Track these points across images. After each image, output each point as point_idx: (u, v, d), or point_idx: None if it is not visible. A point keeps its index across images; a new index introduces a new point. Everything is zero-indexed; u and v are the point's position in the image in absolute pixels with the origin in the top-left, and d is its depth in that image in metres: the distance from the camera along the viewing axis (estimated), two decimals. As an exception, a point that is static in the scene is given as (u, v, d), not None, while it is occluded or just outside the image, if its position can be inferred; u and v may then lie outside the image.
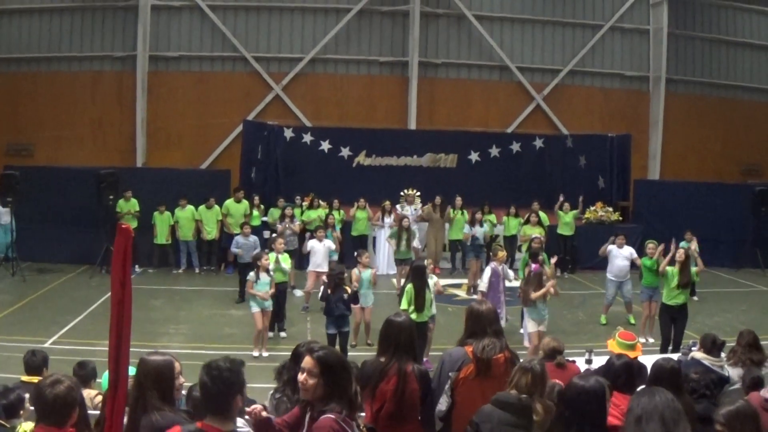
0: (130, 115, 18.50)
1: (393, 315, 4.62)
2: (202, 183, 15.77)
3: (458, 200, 15.19)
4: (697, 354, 5.89)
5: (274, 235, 12.64)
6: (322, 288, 9.16)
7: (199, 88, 18.80)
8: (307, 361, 3.26)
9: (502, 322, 8.14)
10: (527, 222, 14.07)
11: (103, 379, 5.10)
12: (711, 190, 17.30)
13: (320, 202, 14.96)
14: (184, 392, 4.26)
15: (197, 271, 14.88)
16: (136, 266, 14.05)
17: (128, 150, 18.56)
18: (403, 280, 9.77)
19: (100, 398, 4.84)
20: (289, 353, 4.65)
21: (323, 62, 19.36)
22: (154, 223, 14.59)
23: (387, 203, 15.17)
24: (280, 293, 10.11)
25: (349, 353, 8.70)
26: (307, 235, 13.38)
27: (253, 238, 12.15)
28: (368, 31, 19.51)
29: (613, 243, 11.49)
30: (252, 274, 9.40)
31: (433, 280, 9.19)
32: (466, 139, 18.06)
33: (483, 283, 9.78)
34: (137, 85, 18.33)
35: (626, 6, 20.17)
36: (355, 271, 9.73)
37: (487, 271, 9.91)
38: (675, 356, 6.02)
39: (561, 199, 15.37)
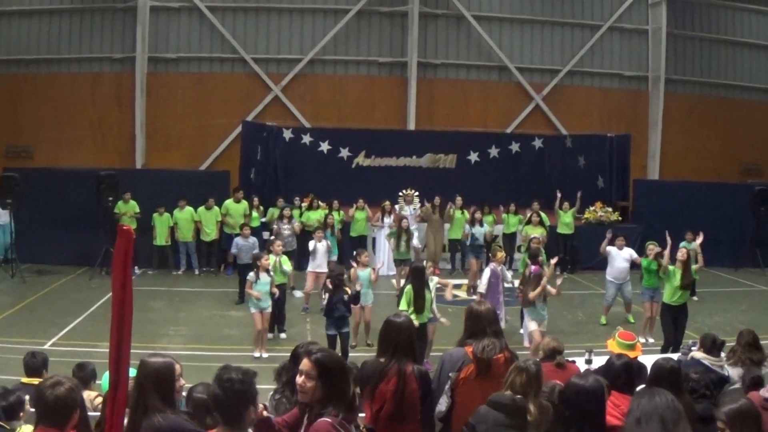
0: (130, 117, 18.49)
1: (392, 315, 4.62)
2: (201, 184, 15.75)
3: (458, 200, 15.20)
4: (697, 354, 5.89)
5: (272, 237, 12.64)
6: (325, 296, 9.03)
7: (199, 90, 18.80)
8: (305, 364, 3.25)
9: (502, 324, 8.13)
10: (528, 222, 14.08)
11: (103, 380, 5.11)
12: (710, 189, 17.31)
13: (320, 203, 14.97)
14: (184, 393, 4.26)
15: (197, 272, 14.88)
16: (136, 268, 14.03)
17: (127, 151, 18.56)
18: (402, 281, 9.78)
19: (100, 400, 4.84)
20: (289, 354, 4.65)
21: (322, 63, 19.37)
22: (153, 225, 14.59)
23: (387, 204, 15.17)
24: (280, 294, 10.11)
25: (349, 354, 8.71)
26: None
27: (252, 240, 12.15)
28: (367, 32, 19.51)
29: (611, 240, 11.47)
30: (252, 274, 9.40)
31: (433, 282, 9.20)
32: (466, 139, 18.06)
33: (482, 285, 9.79)
34: (136, 87, 18.33)
35: (625, 6, 20.17)
36: (352, 271, 9.74)
37: (486, 273, 9.92)
38: (675, 356, 6.01)
39: (559, 196, 15.37)
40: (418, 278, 8.45)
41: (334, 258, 12.74)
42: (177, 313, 11.73)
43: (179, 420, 3.25)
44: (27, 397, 4.34)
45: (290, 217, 13.76)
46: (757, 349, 5.79)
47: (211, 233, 14.73)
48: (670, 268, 9.30)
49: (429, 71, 19.60)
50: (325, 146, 17.34)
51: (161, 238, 14.68)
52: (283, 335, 10.36)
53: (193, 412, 3.82)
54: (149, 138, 18.64)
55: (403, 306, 8.33)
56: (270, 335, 10.04)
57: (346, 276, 9.11)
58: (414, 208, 15.36)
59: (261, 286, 9.32)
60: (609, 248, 11.41)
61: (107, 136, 18.71)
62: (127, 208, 14.50)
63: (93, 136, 18.66)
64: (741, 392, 4.96)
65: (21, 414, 4.30)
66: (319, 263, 11.66)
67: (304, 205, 15.08)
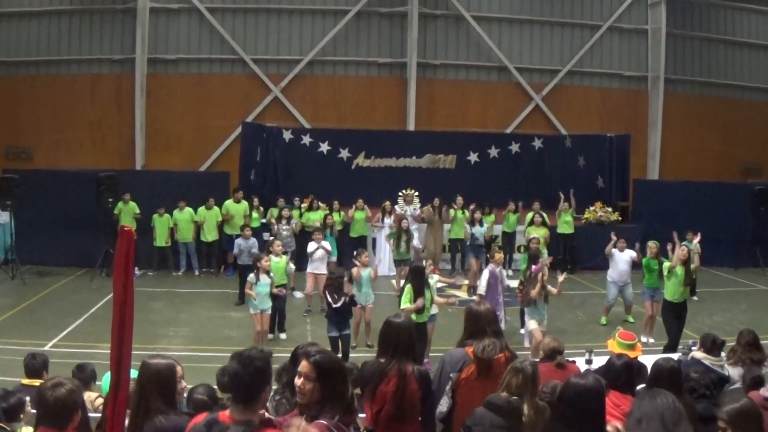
0: (129, 118, 18.49)
1: (392, 316, 4.61)
2: (201, 185, 15.75)
3: (459, 199, 15.20)
4: (697, 354, 5.89)
5: (272, 237, 12.65)
6: (326, 306, 9.04)
7: (198, 91, 18.80)
8: (304, 365, 3.23)
9: (502, 325, 8.15)
10: (531, 223, 14.08)
11: (103, 381, 5.11)
12: (710, 189, 17.31)
13: (320, 203, 14.97)
14: (185, 395, 4.26)
15: (197, 273, 14.88)
16: (136, 269, 14.02)
17: (127, 152, 18.56)
18: (402, 281, 9.79)
19: (101, 401, 4.84)
20: (289, 355, 4.65)
21: (322, 64, 19.37)
22: (153, 226, 14.59)
23: (387, 204, 15.17)
24: (280, 297, 10.10)
25: (350, 355, 8.71)
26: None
27: (253, 241, 12.15)
28: (366, 33, 19.52)
29: (616, 242, 11.51)
30: (252, 275, 9.40)
31: (433, 280, 9.21)
32: (465, 139, 18.05)
33: (481, 287, 9.80)
34: (136, 88, 18.32)
35: (624, 6, 20.18)
36: (355, 271, 9.76)
37: (485, 274, 9.94)
38: (675, 356, 6.02)
39: (562, 198, 15.36)
40: (417, 277, 8.47)
41: (333, 259, 12.73)
42: (177, 314, 11.73)
43: (181, 421, 3.24)
44: (27, 399, 4.34)
45: (289, 218, 13.76)
46: (757, 348, 5.79)
47: (211, 234, 14.73)
48: (677, 268, 9.37)
49: (428, 72, 19.60)
50: (324, 147, 17.34)
51: (161, 239, 14.68)
52: (283, 336, 10.37)
53: (194, 412, 3.81)
54: (149, 139, 18.64)
55: (404, 302, 8.34)
56: (270, 336, 10.05)
57: (346, 278, 9.11)
58: (414, 208, 15.36)
59: (261, 287, 9.33)
60: (612, 250, 11.47)
61: (107, 138, 18.71)
62: (127, 209, 14.50)
63: (93, 137, 18.66)
64: (741, 392, 4.97)
65: (21, 416, 4.30)
66: (318, 264, 11.65)
67: (304, 206, 15.08)
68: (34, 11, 18.44)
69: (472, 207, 14.89)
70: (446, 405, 4.38)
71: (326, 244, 11.85)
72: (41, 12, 18.48)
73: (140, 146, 18.52)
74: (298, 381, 3.24)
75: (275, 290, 9.50)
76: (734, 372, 5.64)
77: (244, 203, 14.58)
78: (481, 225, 14.58)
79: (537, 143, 18.06)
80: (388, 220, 14.94)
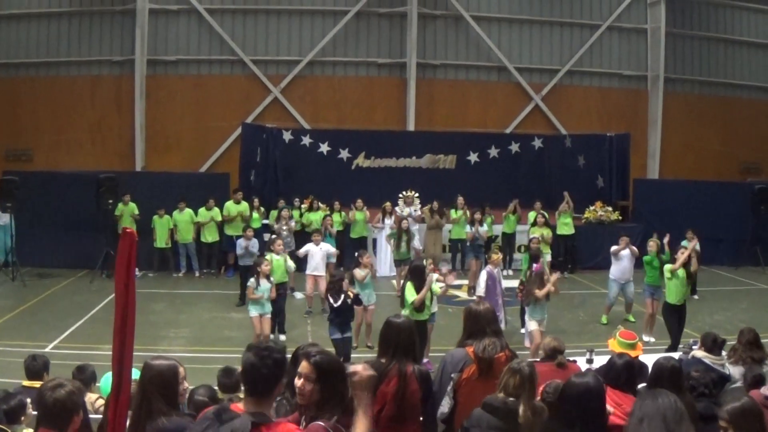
0: (129, 119, 18.50)
1: (392, 316, 4.61)
2: (201, 186, 15.72)
3: (460, 199, 15.18)
4: (698, 353, 5.89)
5: (273, 236, 12.64)
6: (328, 302, 9.02)
7: (198, 92, 18.81)
8: (304, 366, 3.23)
9: (502, 325, 8.13)
10: (534, 224, 14.08)
11: (103, 382, 5.10)
12: (710, 188, 17.31)
13: (320, 204, 14.96)
14: (186, 396, 4.25)
15: (197, 274, 14.87)
16: (137, 270, 13.99)
17: (127, 154, 18.57)
18: (402, 281, 9.78)
19: (101, 402, 4.84)
20: (289, 356, 4.65)
21: (321, 64, 19.38)
22: (153, 227, 14.58)
23: (387, 204, 15.17)
24: (280, 296, 10.11)
25: (351, 356, 8.70)
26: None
27: (254, 241, 12.15)
28: (366, 33, 19.53)
29: (624, 246, 11.51)
30: (252, 280, 9.39)
31: (433, 278, 9.19)
32: (465, 139, 18.07)
33: (479, 288, 9.79)
34: (136, 89, 18.34)
35: (624, 5, 20.18)
36: (357, 272, 9.75)
37: (483, 275, 9.93)
38: (676, 355, 6.01)
39: (566, 196, 15.32)
40: (417, 276, 8.47)
41: (333, 260, 12.71)
42: (178, 315, 11.73)
43: (184, 422, 3.24)
44: (28, 401, 4.34)
45: (289, 218, 13.76)
46: (757, 347, 5.79)
47: (211, 235, 14.72)
48: (680, 271, 9.39)
49: (428, 72, 19.61)
50: (324, 147, 17.34)
51: (161, 241, 14.67)
52: (282, 337, 10.35)
53: (196, 413, 3.80)
54: (149, 140, 18.65)
55: (410, 296, 8.32)
56: (270, 336, 10.03)
57: (346, 280, 9.10)
58: (414, 209, 15.35)
59: (261, 292, 9.33)
60: (615, 247, 11.48)
61: (107, 139, 18.72)
62: (127, 211, 14.49)
63: (92, 138, 18.67)
64: (742, 391, 4.97)
65: (22, 417, 4.29)
66: (316, 266, 11.64)
67: (304, 206, 15.07)
68: (33, 13, 18.45)
69: (473, 209, 14.85)
70: (448, 405, 4.37)
71: (329, 247, 11.88)
72: (41, 14, 18.49)
73: (140, 147, 18.53)
74: (299, 382, 3.23)
75: (272, 295, 9.50)
76: (735, 371, 5.64)
77: (244, 204, 14.57)
78: (482, 225, 14.57)
79: (537, 143, 18.08)
80: (389, 221, 14.93)
